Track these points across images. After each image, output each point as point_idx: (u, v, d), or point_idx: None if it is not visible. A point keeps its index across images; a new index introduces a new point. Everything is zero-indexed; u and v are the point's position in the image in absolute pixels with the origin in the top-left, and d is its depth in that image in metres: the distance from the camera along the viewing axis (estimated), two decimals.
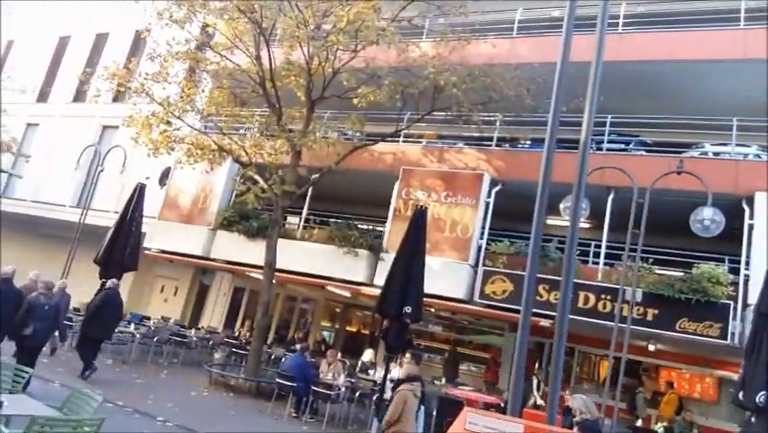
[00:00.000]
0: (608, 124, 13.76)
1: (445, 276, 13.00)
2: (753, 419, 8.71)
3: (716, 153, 13.11)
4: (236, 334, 18.35)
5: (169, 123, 14.20)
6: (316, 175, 13.71)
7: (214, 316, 21.51)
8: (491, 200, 13.84)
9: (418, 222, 10.69)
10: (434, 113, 13.81)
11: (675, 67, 13.52)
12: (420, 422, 8.45)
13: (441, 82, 12.28)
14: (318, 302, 20.79)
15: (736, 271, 11.50)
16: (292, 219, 17.33)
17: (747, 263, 11.36)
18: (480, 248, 13.57)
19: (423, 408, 8.65)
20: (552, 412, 3.67)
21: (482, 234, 13.73)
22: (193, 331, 16.82)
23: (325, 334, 19.96)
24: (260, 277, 13.95)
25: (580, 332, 15.17)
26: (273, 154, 14.50)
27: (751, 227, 11.49)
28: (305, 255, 15.46)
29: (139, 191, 14.27)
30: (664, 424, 13.32)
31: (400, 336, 10.22)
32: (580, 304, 12.06)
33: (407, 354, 9.59)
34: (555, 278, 12.36)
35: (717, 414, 14.34)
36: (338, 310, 20.99)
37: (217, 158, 14.64)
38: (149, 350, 14.46)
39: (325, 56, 12.79)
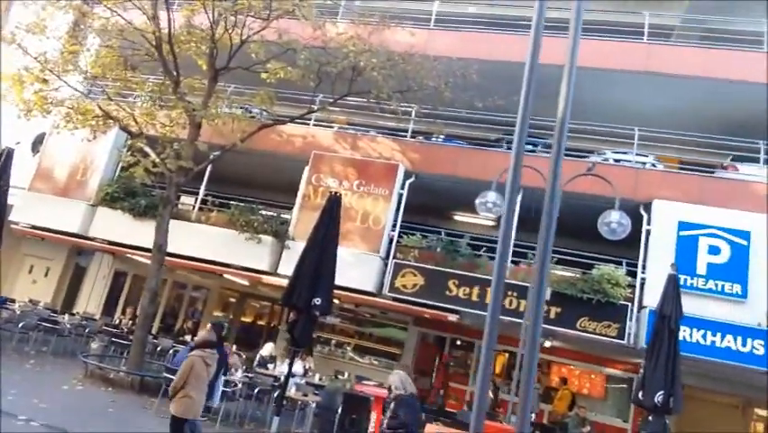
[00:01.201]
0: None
1: (355, 267, 12.43)
2: (650, 418, 9.06)
3: (616, 160, 13.62)
4: (117, 322, 16.65)
5: (45, 81, 12.34)
6: (218, 152, 12.54)
7: (90, 301, 19.45)
8: (405, 192, 13.44)
9: (332, 210, 9.98)
10: (349, 98, 13.14)
11: (584, 74, 13.83)
12: (218, 389, 8.12)
13: (360, 63, 11.61)
14: (211, 291, 19.47)
15: (632, 274, 11.96)
16: (186, 200, 15.93)
17: (644, 267, 11.86)
18: (391, 240, 13.14)
19: (222, 376, 8.28)
20: (523, 425, 3.18)
21: (394, 226, 13.30)
22: (66, 317, 14.96)
23: None
24: (147, 261, 12.59)
25: (480, 327, 15.33)
26: (168, 126, 13.10)
27: (648, 233, 12.00)
28: (200, 239, 14.21)
29: (5, 156, 12.25)
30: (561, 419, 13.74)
31: (308, 330, 9.49)
32: (488, 300, 11.97)
33: (208, 324, 8.83)
34: (465, 273, 12.31)
35: (603, 410, 15.06)
36: (232, 300, 19.80)
37: (101, 125, 12.97)
38: (12, 337, 12.62)
39: (233, 22, 11.65)
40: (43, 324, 13.20)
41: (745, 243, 11.24)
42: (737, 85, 12.56)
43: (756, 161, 12.42)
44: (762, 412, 16.36)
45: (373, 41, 11.94)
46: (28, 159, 16.25)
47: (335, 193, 10.42)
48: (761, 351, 10.64)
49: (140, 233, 14.16)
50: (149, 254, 12.52)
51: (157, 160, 11.82)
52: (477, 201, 10.47)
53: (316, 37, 11.77)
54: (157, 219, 12.22)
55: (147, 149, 12.09)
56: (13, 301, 15.55)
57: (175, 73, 11.98)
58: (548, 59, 14.02)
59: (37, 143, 16.98)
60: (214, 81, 12.45)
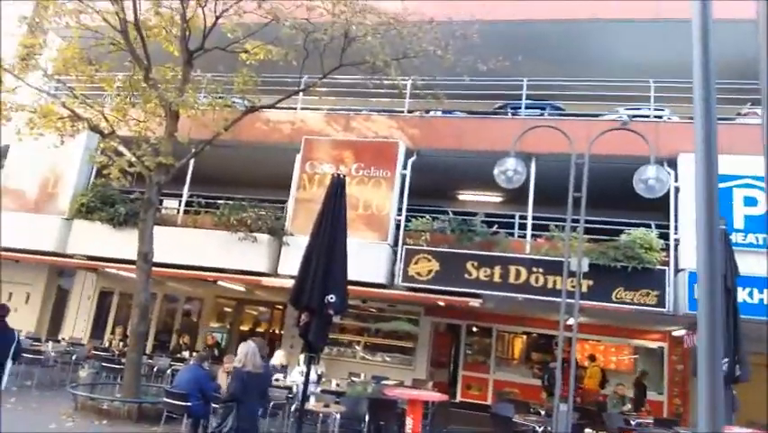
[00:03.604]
0: (524, 87, 12.88)
1: (362, 258, 11.26)
2: None
3: (631, 117, 12.69)
4: (106, 344, 15.39)
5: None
6: (202, 145, 11.33)
7: (77, 325, 18.13)
8: (408, 172, 12.37)
9: (337, 193, 8.87)
10: (339, 77, 12.05)
11: (590, 28, 12.98)
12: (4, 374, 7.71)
13: (352, 27, 10.47)
14: (205, 301, 18.26)
15: (663, 237, 11.06)
16: (170, 204, 14.66)
17: (675, 228, 10.98)
18: (398, 226, 12.09)
19: (11, 361, 8.07)
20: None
21: (400, 210, 12.24)
22: (50, 344, 13.64)
23: (217, 336, 17.48)
24: (132, 275, 11.38)
25: (501, 310, 14.37)
26: (142, 122, 11.87)
27: (677, 190, 11.10)
28: (188, 245, 13.03)
29: None
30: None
31: (323, 332, 8.39)
32: (512, 279, 11.02)
33: None
34: (485, 253, 11.31)
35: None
36: (228, 309, 18.64)
37: (68, 127, 11.65)
38: None
39: None
40: (23, 355, 11.87)
41: None
42: (746, 24, 11.69)
43: None
44: None
45: (363, 3, 10.80)
46: None
47: (338, 174, 9.33)
48: None
49: (122, 244, 12.93)
50: (133, 267, 11.31)
51: (132, 158, 10.61)
52: (495, 171, 9.39)
53: (299, 5, 10.62)
54: (139, 226, 11.00)
55: (121, 148, 10.88)
56: None
57: (145, 59, 10.75)
58: (538, 14, 13.07)
59: None
60: (189, 66, 11.24)
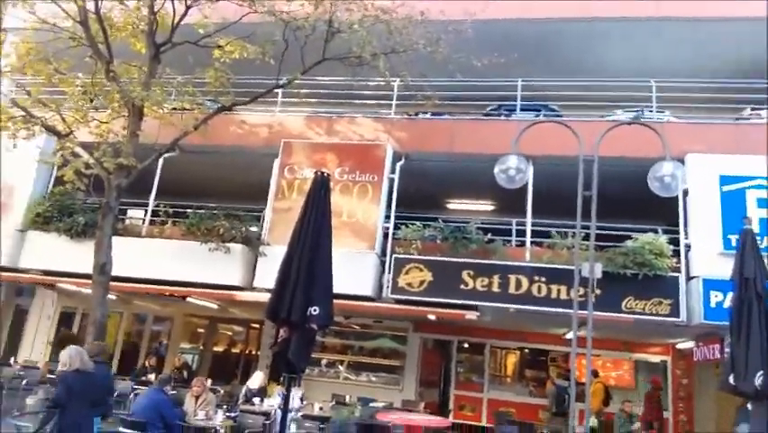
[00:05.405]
0: (519, 88, 12.14)
1: (348, 269, 10.24)
2: (749, 406, 7.32)
3: (637, 116, 12.02)
4: None
5: None
6: (169, 144, 10.27)
7: (35, 347, 16.70)
8: (396, 176, 11.47)
9: (320, 193, 7.87)
10: (320, 79, 11.19)
11: (588, 29, 12.43)
12: None
13: (337, 14, 9.59)
14: (175, 320, 16.99)
15: (672, 243, 10.31)
16: (135, 214, 13.49)
17: (686, 233, 10.24)
18: (386, 234, 11.15)
19: None
20: None
21: (387, 217, 11.30)
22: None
23: (187, 357, 16.19)
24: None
25: (497, 324, 13.48)
26: (104, 122, 10.79)
27: (686, 192, 10.38)
28: (154, 257, 11.90)
29: None
30: (595, 417, 11.96)
31: (306, 350, 7.32)
32: (512, 289, 10.11)
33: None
34: (482, 261, 10.44)
35: (637, 400, 13.29)
36: (200, 330, 17.40)
37: (21, 129, 10.48)
38: None
39: None
40: None
41: None
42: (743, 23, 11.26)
43: None
44: None
45: None
46: None
47: (322, 173, 8.36)
48: None
49: (80, 257, 11.64)
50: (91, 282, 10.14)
51: (90, 160, 9.50)
52: (496, 169, 8.53)
53: None
54: (97, 234, 9.85)
55: (78, 149, 9.78)
56: None
57: (107, 54, 9.74)
58: (534, 13, 12.38)
59: None
60: (157, 61, 10.23)
